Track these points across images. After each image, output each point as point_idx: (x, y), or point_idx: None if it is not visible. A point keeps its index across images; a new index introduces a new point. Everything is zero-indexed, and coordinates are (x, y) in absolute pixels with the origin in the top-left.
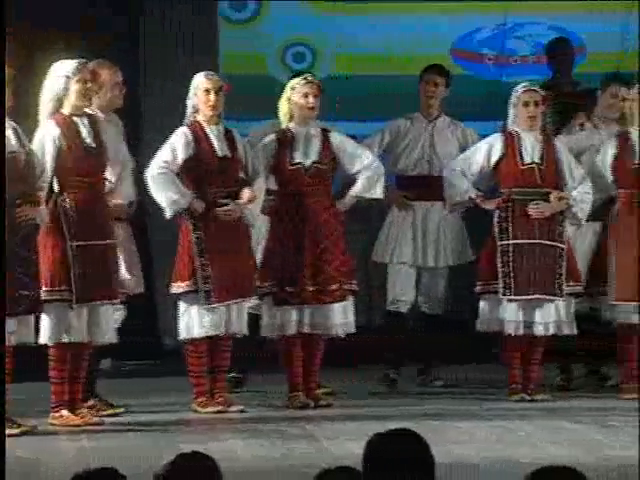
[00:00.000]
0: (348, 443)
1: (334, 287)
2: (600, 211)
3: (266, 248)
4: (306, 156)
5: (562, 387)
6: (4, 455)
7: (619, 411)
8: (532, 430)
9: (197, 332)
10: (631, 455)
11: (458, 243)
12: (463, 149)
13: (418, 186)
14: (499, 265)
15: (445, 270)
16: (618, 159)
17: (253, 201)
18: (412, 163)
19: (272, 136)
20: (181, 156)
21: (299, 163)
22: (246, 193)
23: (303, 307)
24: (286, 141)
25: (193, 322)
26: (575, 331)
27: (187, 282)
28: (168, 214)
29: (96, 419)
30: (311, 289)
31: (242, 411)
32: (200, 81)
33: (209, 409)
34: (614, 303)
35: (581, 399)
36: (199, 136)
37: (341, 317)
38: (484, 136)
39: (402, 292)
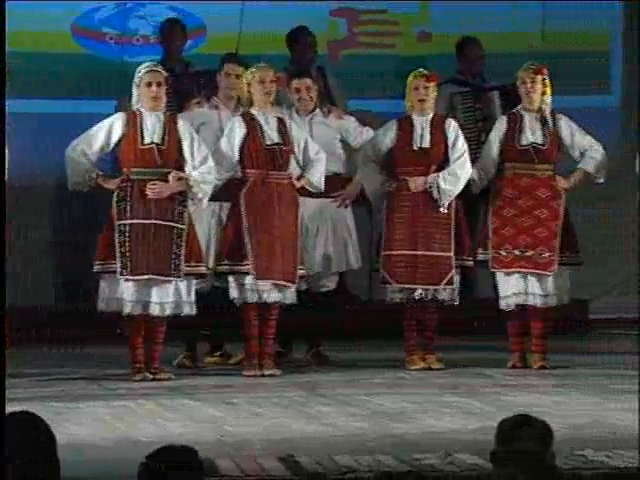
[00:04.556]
0: None
1: None
2: (222, 192)
3: None
4: None
5: (186, 365)
6: (4, 454)
7: (241, 388)
8: (154, 408)
9: None
10: (249, 431)
11: None
12: None
13: None
14: (117, 245)
15: None
16: (247, 140)
17: None
18: None
19: None
20: None
21: None
22: None
23: None
24: None
25: None
26: (194, 311)
27: None
28: None
29: None
30: None
31: None
32: None
33: None
34: (250, 282)
35: (205, 377)
36: None
37: None
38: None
39: None
